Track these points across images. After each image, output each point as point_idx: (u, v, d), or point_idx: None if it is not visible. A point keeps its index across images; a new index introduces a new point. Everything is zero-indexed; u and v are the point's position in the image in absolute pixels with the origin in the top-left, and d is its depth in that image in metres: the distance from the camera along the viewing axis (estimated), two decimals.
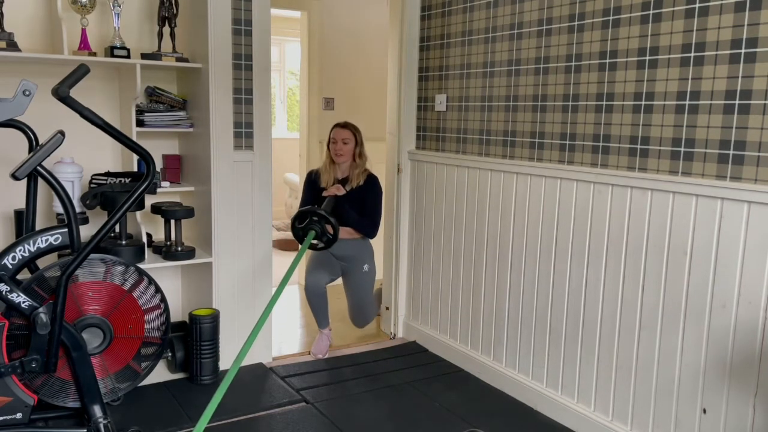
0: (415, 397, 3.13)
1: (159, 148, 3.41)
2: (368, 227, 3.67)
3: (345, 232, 3.59)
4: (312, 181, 3.75)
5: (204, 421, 2.25)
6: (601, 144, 2.68)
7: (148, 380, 2.96)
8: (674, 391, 2.45)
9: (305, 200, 3.75)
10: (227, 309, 3.33)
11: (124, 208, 2.51)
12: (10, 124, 2.50)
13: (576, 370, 2.84)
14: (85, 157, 3.17)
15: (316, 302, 3.66)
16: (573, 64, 2.78)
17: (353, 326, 3.92)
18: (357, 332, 4.02)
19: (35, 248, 2.42)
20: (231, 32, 3.17)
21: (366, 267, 3.70)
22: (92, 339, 2.58)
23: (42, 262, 2.61)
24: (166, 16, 3.17)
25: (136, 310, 2.66)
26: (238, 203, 3.33)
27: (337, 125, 3.68)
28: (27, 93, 2.33)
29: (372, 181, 3.68)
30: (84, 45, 3.01)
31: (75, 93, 2.33)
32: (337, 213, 3.53)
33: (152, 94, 3.27)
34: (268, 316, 2.91)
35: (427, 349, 3.76)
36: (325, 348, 3.68)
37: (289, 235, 6.43)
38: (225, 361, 3.34)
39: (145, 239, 3.16)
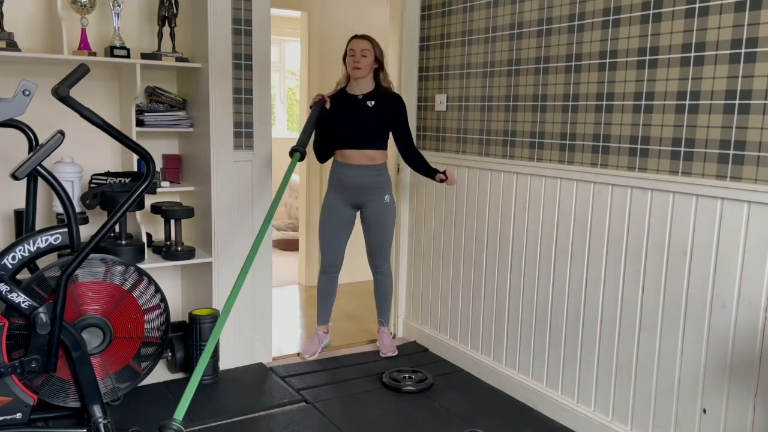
0: (415, 397, 3.13)
1: (159, 148, 3.41)
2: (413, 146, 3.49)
3: (365, 157, 3.41)
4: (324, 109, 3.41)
5: (187, 399, 2.24)
6: (601, 144, 2.68)
7: (148, 380, 2.96)
8: (674, 391, 2.45)
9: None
10: None
11: (124, 208, 2.51)
12: (10, 124, 2.50)
13: (576, 370, 2.84)
14: (85, 157, 3.17)
15: (325, 289, 3.59)
16: (573, 64, 2.78)
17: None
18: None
19: (35, 248, 2.42)
20: (231, 32, 3.17)
21: (387, 197, 3.46)
22: (92, 339, 2.58)
23: (42, 262, 2.62)
24: (166, 16, 3.17)
25: (136, 310, 2.66)
26: (238, 203, 3.33)
27: (355, 36, 3.40)
28: (27, 93, 2.33)
29: (398, 96, 3.48)
30: (84, 45, 3.01)
31: (75, 93, 2.33)
32: (363, 131, 3.40)
33: (152, 94, 3.27)
34: (256, 251, 2.74)
35: (427, 349, 3.76)
36: (314, 350, 3.60)
37: (289, 235, 6.44)
38: (225, 361, 3.34)
39: (145, 239, 3.16)
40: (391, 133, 3.47)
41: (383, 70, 3.45)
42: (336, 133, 3.42)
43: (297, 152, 3.16)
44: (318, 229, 3.61)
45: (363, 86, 3.42)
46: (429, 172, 3.41)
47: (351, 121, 3.40)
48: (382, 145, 3.46)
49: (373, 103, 3.40)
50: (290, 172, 3.07)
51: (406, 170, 3.82)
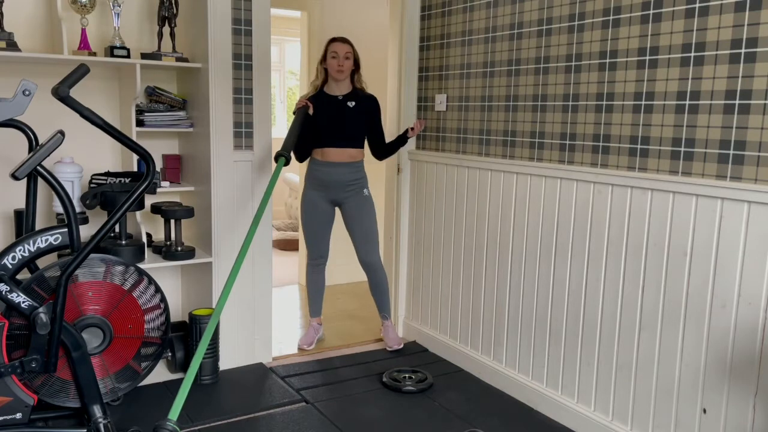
0: (415, 397, 3.13)
1: (159, 148, 3.41)
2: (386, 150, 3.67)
3: (345, 155, 3.52)
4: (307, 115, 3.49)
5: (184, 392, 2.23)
6: (601, 144, 2.68)
7: (148, 380, 2.96)
8: (674, 391, 2.45)
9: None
10: (227, 309, 3.33)
11: (124, 208, 2.51)
12: (10, 124, 2.50)
13: (576, 370, 2.84)
14: (85, 157, 3.17)
15: (314, 281, 3.71)
16: (573, 64, 2.78)
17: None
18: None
19: (35, 248, 2.42)
20: (231, 32, 3.17)
21: (366, 191, 3.59)
22: (92, 339, 2.58)
23: (42, 262, 2.62)
24: (166, 16, 3.17)
25: (136, 310, 2.66)
26: (238, 203, 3.33)
27: (335, 39, 3.50)
28: (27, 93, 2.33)
29: (375, 97, 3.62)
30: (84, 45, 3.01)
31: (75, 93, 2.33)
32: (345, 131, 3.50)
33: (152, 94, 3.27)
34: (246, 250, 2.75)
35: (427, 349, 3.76)
36: (311, 339, 3.73)
37: (289, 235, 6.44)
38: (225, 361, 3.34)
39: (145, 239, 3.16)
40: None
41: (358, 72, 3.59)
42: (317, 132, 3.51)
43: (282, 157, 3.20)
44: (301, 225, 3.72)
45: (342, 87, 3.55)
46: (399, 141, 3.62)
47: (333, 121, 3.51)
48: (361, 144, 3.60)
49: (353, 103, 3.53)
50: (276, 176, 3.11)
51: (406, 170, 3.83)
